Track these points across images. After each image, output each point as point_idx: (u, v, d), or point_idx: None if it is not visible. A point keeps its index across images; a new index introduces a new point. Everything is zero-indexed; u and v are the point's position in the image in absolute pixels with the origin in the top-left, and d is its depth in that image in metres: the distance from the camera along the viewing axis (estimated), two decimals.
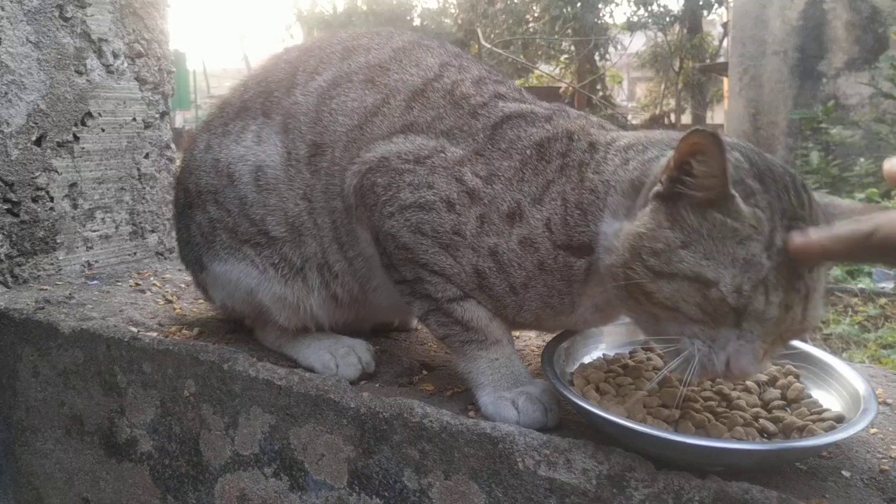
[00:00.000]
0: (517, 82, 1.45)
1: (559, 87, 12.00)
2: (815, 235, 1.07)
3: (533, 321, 1.34)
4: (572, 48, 12.30)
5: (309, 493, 1.42)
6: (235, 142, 1.51)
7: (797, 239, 1.07)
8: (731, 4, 12.94)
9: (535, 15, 11.86)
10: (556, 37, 11.32)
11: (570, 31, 11.84)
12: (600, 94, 12.72)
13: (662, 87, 14.93)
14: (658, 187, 1.12)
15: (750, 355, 1.10)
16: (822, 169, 9.02)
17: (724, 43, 14.14)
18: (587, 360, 1.40)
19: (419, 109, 1.39)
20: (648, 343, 1.43)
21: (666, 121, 13.50)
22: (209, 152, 1.55)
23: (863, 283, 6.23)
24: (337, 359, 1.47)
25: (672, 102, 15.06)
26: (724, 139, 1.07)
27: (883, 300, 5.75)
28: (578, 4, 11.99)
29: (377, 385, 1.47)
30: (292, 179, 1.45)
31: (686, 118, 14.72)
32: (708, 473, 1.10)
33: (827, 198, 1.20)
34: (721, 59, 13.72)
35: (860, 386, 1.20)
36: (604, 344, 1.44)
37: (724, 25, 14.17)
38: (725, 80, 11.65)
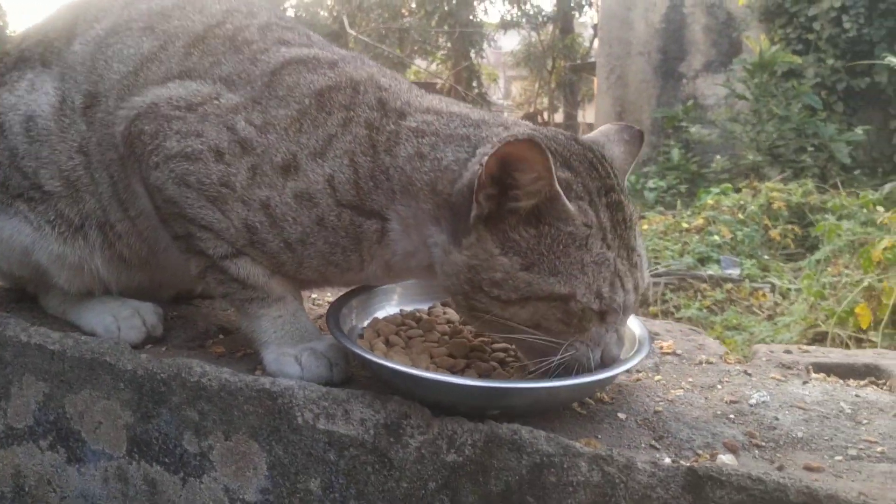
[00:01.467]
0: None
1: (436, 83, 12.05)
2: None
3: (317, 278, 1.28)
4: (448, 44, 12.40)
5: (87, 464, 1.32)
6: (9, 91, 1.39)
7: None
8: (600, 6, 13.38)
9: (412, 9, 11.86)
10: (431, 31, 11.35)
11: (445, 26, 11.90)
12: (476, 91, 12.86)
13: (536, 85, 15.24)
14: (475, 210, 1.05)
15: (617, 343, 1.10)
16: (682, 165, 9.43)
17: (594, 44, 14.59)
18: (381, 314, 1.37)
19: (198, 56, 1.30)
20: (446, 299, 1.41)
21: (539, 119, 13.80)
22: None
23: (711, 270, 6.53)
24: (119, 321, 1.38)
25: (546, 101, 15.40)
26: (533, 137, 1.02)
27: (729, 285, 6.04)
28: (454, 1, 12.07)
29: (164, 349, 1.38)
30: (65, 130, 1.35)
31: (559, 116, 15.09)
32: (484, 418, 1.09)
33: (597, 140, 1.22)
34: (591, 60, 14.13)
35: (637, 330, 1.21)
36: (404, 298, 1.41)
37: (595, 27, 14.61)
38: (595, 79, 12.02)
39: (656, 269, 6.18)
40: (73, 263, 1.38)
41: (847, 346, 3.54)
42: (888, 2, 9.41)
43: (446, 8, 11.88)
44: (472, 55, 12.64)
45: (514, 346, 1.23)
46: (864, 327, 3.07)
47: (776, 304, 5.76)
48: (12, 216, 1.38)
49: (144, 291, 1.49)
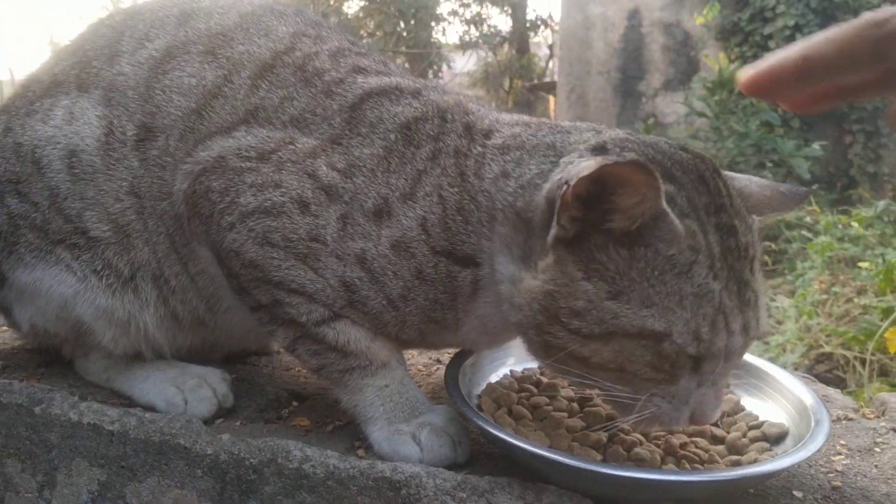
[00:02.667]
0: None
1: None
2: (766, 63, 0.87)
3: (418, 339, 1.12)
4: (406, 65, 12.24)
5: None
6: (42, 121, 1.21)
7: (747, 73, 0.86)
8: (557, 27, 13.41)
9: (370, 31, 11.72)
10: (389, 53, 11.24)
11: (403, 47, 11.81)
12: None
13: (493, 105, 15.16)
14: (555, 231, 0.89)
15: (714, 400, 0.93)
16: None
17: (550, 64, 14.62)
18: (494, 378, 1.20)
19: (266, 89, 1.13)
20: None
21: None
22: (8, 135, 1.23)
23: None
24: (185, 392, 1.19)
25: None
26: (638, 160, 0.85)
27: None
28: (412, 22, 11.99)
29: (238, 423, 1.20)
30: (113, 167, 1.17)
31: None
32: None
33: (737, 181, 1.03)
34: (547, 79, 14.15)
35: (803, 394, 1.07)
36: (512, 358, 1.25)
37: (550, 47, 14.66)
38: (552, 98, 12.05)
39: None
40: (120, 319, 1.20)
41: (869, 370, 3.47)
42: (839, 21, 9.57)
43: (403, 29, 11.74)
44: (430, 76, 12.53)
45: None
46: (893, 351, 3.00)
47: None
48: (53, 264, 1.19)
49: (195, 353, 1.30)
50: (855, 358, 3.75)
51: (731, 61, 10.58)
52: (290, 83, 1.13)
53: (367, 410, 1.08)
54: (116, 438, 1.12)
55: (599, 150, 0.95)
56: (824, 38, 0.83)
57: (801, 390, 1.08)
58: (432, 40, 12.56)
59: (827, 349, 4.01)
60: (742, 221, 0.94)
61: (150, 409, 1.19)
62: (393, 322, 1.07)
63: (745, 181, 1.06)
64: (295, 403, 1.28)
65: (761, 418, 1.10)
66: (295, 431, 1.16)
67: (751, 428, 1.07)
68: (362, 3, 11.09)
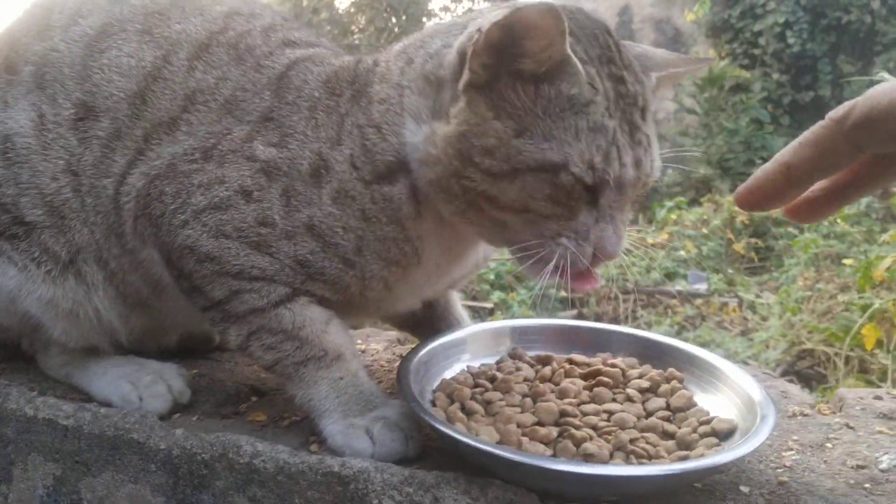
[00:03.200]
0: None
1: None
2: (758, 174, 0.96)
3: (383, 291, 1.13)
4: None
5: None
6: None
7: (740, 190, 0.98)
8: None
9: (361, 26, 11.70)
10: (381, 49, 11.26)
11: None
12: None
13: None
14: (468, 76, 0.95)
15: (613, 235, 0.99)
16: None
17: None
18: (449, 374, 1.20)
19: (202, 70, 1.14)
20: (516, 350, 1.26)
21: None
22: None
23: (679, 286, 6.50)
24: (140, 389, 1.19)
25: None
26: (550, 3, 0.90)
27: (699, 301, 6.02)
28: (404, 17, 11.97)
29: (195, 419, 1.20)
30: (48, 147, 1.16)
31: None
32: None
33: (639, 47, 1.12)
34: None
35: (753, 390, 1.08)
36: (467, 354, 1.25)
37: None
38: None
39: (624, 285, 6.14)
40: (66, 309, 1.19)
41: (848, 367, 3.49)
42: (830, 18, 9.64)
43: (395, 25, 11.72)
44: None
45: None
46: (870, 348, 3.02)
47: (745, 318, 5.75)
48: None
49: (150, 335, 1.31)
50: (836, 354, 3.78)
51: (722, 58, 10.61)
52: (224, 62, 1.14)
53: (321, 404, 1.08)
54: (71, 433, 1.13)
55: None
56: (799, 143, 0.91)
57: (750, 385, 1.09)
58: None
59: (808, 346, 4.03)
60: (632, 74, 1.01)
61: (107, 405, 1.19)
62: (354, 282, 1.09)
63: (646, 48, 1.14)
64: (254, 398, 1.28)
65: (711, 414, 1.10)
66: (251, 426, 1.16)
67: (701, 423, 1.08)
68: None
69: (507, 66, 0.94)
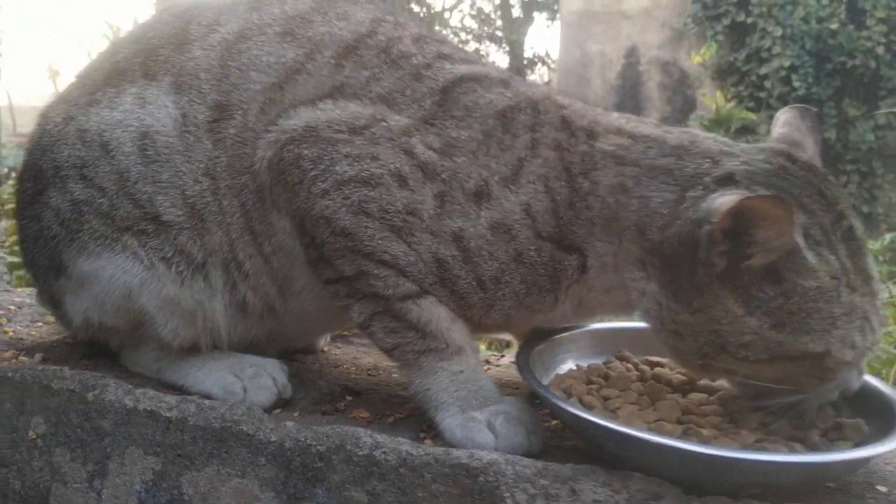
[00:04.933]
0: None
1: None
2: None
3: (501, 323, 1.12)
4: None
5: None
6: (109, 108, 1.19)
7: None
8: (554, 65, 13.56)
9: None
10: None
11: None
12: None
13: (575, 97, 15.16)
14: (708, 270, 0.93)
15: (858, 378, 1.01)
16: None
17: None
18: (562, 370, 1.18)
19: (351, 69, 1.15)
20: (621, 352, 1.23)
21: None
22: (70, 123, 1.21)
23: None
24: (244, 380, 1.16)
25: None
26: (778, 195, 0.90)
27: None
28: None
29: (296, 414, 1.17)
30: (191, 149, 1.15)
31: None
32: (741, 496, 0.91)
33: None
34: None
35: (884, 388, 1.06)
36: (573, 353, 1.23)
37: (547, 84, 14.81)
38: None
39: None
40: (186, 309, 1.17)
41: None
42: (834, 62, 9.75)
43: None
44: None
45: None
46: None
47: None
48: (118, 252, 1.15)
49: (252, 348, 1.27)
50: None
51: (728, 100, 10.68)
52: (375, 64, 1.14)
53: (439, 395, 1.06)
54: (174, 425, 1.09)
55: (727, 181, 0.97)
56: None
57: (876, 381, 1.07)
58: None
59: None
60: (850, 211, 0.99)
61: (206, 397, 1.16)
62: (480, 304, 1.07)
63: (799, 137, 1.10)
64: (349, 398, 1.24)
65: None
66: (356, 423, 1.12)
67: (829, 429, 1.05)
68: None
69: (739, 255, 0.92)
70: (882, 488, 0.99)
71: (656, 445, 0.90)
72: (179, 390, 1.21)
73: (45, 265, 1.23)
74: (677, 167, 1.02)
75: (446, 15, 14.14)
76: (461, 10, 14.90)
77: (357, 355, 1.48)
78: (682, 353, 1.02)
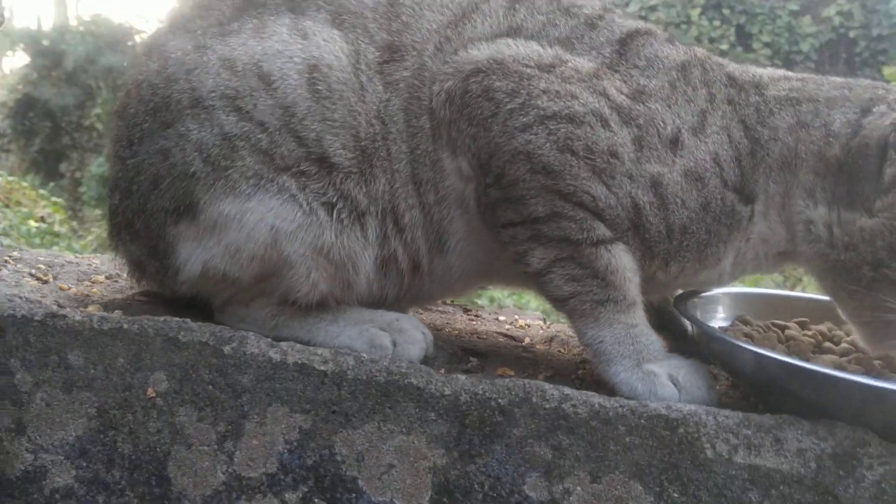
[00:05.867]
0: None
1: None
2: None
3: (669, 279, 1.12)
4: None
5: None
6: (257, 38, 1.10)
7: None
8: None
9: None
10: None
11: None
12: None
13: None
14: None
15: None
16: None
17: None
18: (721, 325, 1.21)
19: (525, 13, 1.13)
20: (744, 317, 1.25)
21: None
22: (206, 52, 1.10)
23: None
24: (393, 333, 1.09)
25: None
26: None
27: None
28: None
29: (442, 371, 1.11)
30: (365, 88, 1.09)
31: None
32: None
33: None
34: None
35: None
36: (722, 313, 1.25)
37: None
38: None
39: None
40: (336, 261, 1.09)
41: None
42: None
43: None
44: None
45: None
46: None
47: None
48: (274, 194, 1.06)
49: (380, 307, 1.21)
50: None
51: None
52: (549, 10, 1.14)
53: (615, 348, 1.04)
54: (330, 380, 1.02)
55: None
56: None
57: None
58: None
59: None
60: None
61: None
62: (662, 255, 1.07)
63: None
64: (472, 359, 1.20)
65: None
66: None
67: None
68: None
69: None
70: None
71: (867, 387, 0.92)
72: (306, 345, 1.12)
73: (162, 208, 1.11)
74: (853, 95, 1.09)
75: None
76: None
77: (447, 320, 1.44)
78: (850, 271, 1.04)
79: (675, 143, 1.05)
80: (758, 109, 1.09)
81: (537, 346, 1.32)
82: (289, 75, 1.07)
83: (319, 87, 1.07)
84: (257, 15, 1.13)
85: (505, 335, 1.37)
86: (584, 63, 1.09)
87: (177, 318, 1.08)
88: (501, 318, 1.52)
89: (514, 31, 1.11)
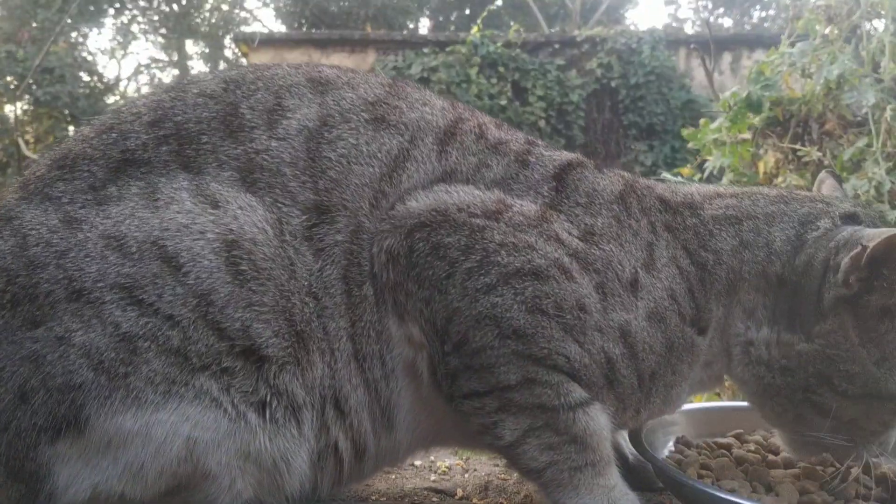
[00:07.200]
0: None
1: None
2: None
3: (637, 425, 1.10)
4: None
5: None
6: (149, 208, 0.92)
7: None
8: None
9: (37, 135, 10.52)
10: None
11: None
12: None
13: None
14: (843, 290, 0.97)
15: None
16: None
17: None
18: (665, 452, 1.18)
19: (458, 154, 1.04)
20: (683, 437, 1.22)
21: None
22: (80, 228, 0.90)
23: None
24: None
25: None
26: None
27: None
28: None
29: None
30: (294, 261, 0.94)
31: None
32: None
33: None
34: None
35: None
36: (675, 432, 1.22)
37: None
38: None
39: None
40: (265, 466, 0.92)
41: None
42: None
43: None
44: None
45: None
46: None
47: None
48: (189, 401, 0.88)
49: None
50: None
51: None
52: (477, 150, 1.06)
53: None
54: None
55: (852, 218, 1.04)
56: None
57: None
58: None
59: None
60: None
61: None
62: (635, 405, 1.01)
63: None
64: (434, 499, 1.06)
65: None
66: None
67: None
68: (27, 107, 9.96)
69: (869, 285, 0.96)
70: None
71: None
72: None
73: (34, 425, 0.88)
74: (790, 210, 1.07)
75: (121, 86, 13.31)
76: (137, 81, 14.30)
77: (368, 483, 1.27)
78: (782, 394, 1.03)
79: (634, 284, 1.00)
80: (697, 233, 1.06)
81: (475, 502, 1.20)
82: (203, 255, 0.90)
83: (243, 268, 0.91)
84: (142, 176, 0.96)
85: (435, 490, 1.24)
86: (528, 206, 1.01)
87: None
88: (417, 462, 1.38)
89: (448, 176, 1.03)
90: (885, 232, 0.94)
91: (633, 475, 1.15)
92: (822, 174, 1.27)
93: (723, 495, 0.97)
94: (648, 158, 9.58)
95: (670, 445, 1.21)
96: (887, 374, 0.97)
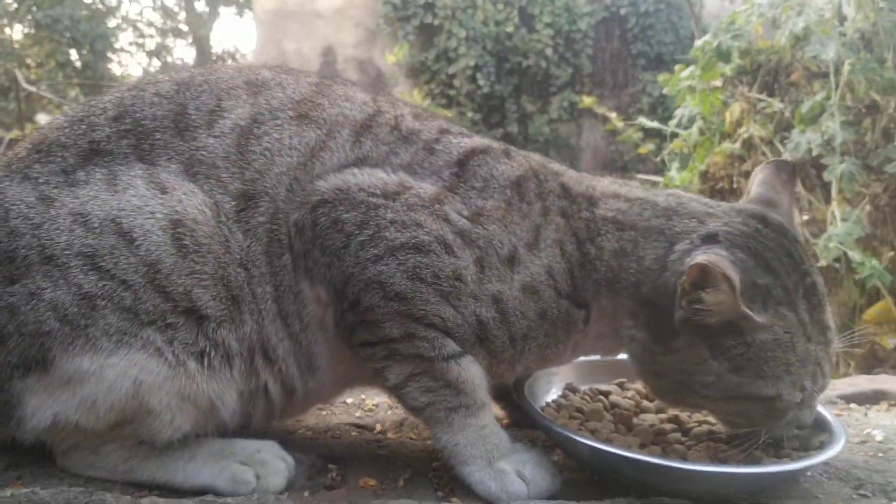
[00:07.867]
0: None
1: None
2: None
3: (514, 376, 1.26)
4: (82, 98, 11.18)
5: None
6: (109, 191, 1.10)
7: None
8: (244, 61, 13.25)
9: (39, 60, 10.61)
10: (62, 84, 10.27)
11: (77, 79, 10.86)
12: None
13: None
14: (681, 314, 1.08)
15: (810, 415, 1.16)
16: None
17: None
18: (548, 399, 1.37)
19: (370, 144, 1.20)
20: (571, 384, 1.40)
21: None
22: (52, 205, 1.09)
23: None
24: (255, 466, 1.12)
25: None
26: (721, 251, 1.08)
27: None
28: (86, 52, 11.06)
29: (305, 494, 1.14)
30: (228, 240, 1.12)
31: None
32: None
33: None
34: None
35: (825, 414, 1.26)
36: (557, 382, 1.41)
37: None
38: None
39: None
40: (202, 405, 1.11)
41: None
42: (511, 62, 10.66)
43: (78, 60, 10.83)
44: None
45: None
46: None
47: None
48: (137, 349, 1.06)
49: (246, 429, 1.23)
50: None
51: (423, 98, 11.29)
52: (391, 140, 1.20)
53: (467, 450, 1.13)
54: None
55: (711, 239, 1.13)
56: None
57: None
58: (113, 72, 11.77)
59: None
60: (814, 269, 1.17)
61: (203, 492, 1.10)
62: (508, 360, 1.17)
63: (774, 196, 1.27)
64: (332, 466, 1.24)
65: None
66: (368, 493, 1.14)
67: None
68: (27, 30, 10.03)
69: (699, 308, 1.06)
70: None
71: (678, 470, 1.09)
72: (160, 489, 1.12)
73: (8, 363, 1.07)
74: (668, 226, 1.17)
75: (123, 8, 13.20)
76: (140, 2, 14.09)
77: (298, 418, 1.45)
78: (659, 391, 1.19)
79: (511, 260, 1.14)
80: (588, 226, 1.19)
81: (390, 436, 1.38)
82: (152, 231, 1.08)
83: (185, 243, 1.09)
84: (105, 164, 1.13)
85: (357, 426, 1.42)
86: (427, 188, 1.15)
87: (25, 490, 1.04)
88: (349, 400, 1.57)
89: (360, 162, 1.17)
90: (700, 257, 1.04)
91: (525, 416, 1.34)
92: (764, 165, 1.32)
93: (568, 434, 1.13)
94: (655, 90, 9.51)
95: (555, 391, 1.39)
96: (749, 380, 1.08)
